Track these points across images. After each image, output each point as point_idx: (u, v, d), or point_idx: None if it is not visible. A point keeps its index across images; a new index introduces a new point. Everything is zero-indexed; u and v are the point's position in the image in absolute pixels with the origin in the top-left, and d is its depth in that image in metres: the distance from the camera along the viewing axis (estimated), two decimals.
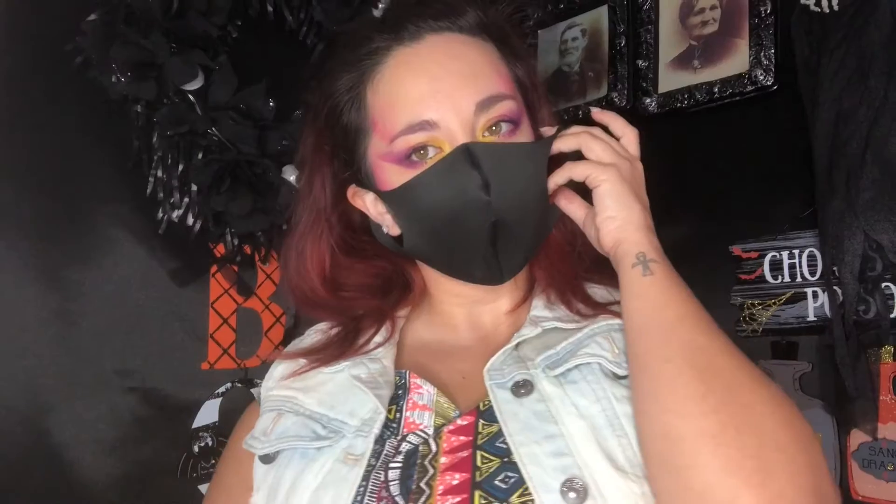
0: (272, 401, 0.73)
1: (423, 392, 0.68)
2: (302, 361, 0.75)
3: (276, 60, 1.38)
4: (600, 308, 0.69)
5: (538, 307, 0.71)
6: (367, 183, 0.72)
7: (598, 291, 0.73)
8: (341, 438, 0.65)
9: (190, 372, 1.29)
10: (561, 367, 0.63)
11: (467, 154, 0.63)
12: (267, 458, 0.70)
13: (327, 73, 0.73)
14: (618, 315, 0.66)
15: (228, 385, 1.34)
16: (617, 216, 0.64)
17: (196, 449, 1.29)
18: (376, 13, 1.28)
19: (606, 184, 0.64)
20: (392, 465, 0.62)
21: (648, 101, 1.30)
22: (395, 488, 0.60)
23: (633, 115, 1.33)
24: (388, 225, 0.72)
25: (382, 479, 0.61)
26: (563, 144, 0.68)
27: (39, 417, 1.13)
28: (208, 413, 1.31)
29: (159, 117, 1.21)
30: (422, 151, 0.66)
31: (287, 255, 0.77)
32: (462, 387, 0.69)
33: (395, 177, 0.67)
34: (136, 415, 1.22)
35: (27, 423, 1.12)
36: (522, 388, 0.63)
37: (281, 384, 0.74)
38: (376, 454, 0.64)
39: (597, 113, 0.70)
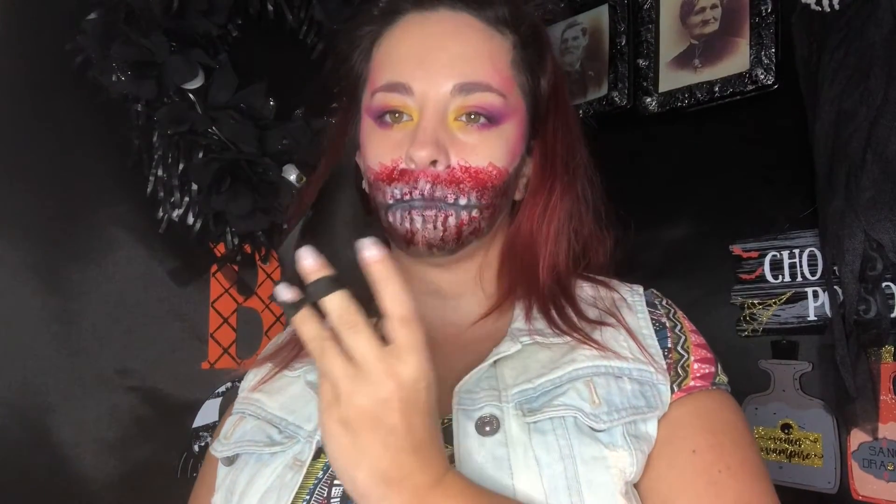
0: (240, 403, 0.74)
1: None
2: (269, 366, 0.74)
3: (277, 60, 1.38)
4: (583, 325, 0.65)
5: (518, 318, 0.68)
6: (357, 131, 0.72)
7: (589, 292, 0.70)
8: (295, 444, 0.65)
9: (190, 372, 1.29)
10: (534, 416, 0.59)
11: (337, 176, 0.59)
12: (227, 461, 0.70)
13: (357, 16, 0.73)
14: (603, 348, 0.63)
15: (228, 385, 1.34)
16: (343, 477, 0.51)
17: (196, 449, 1.29)
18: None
19: (322, 428, 0.52)
20: (337, 481, 0.61)
21: (649, 100, 1.30)
22: None
23: (633, 114, 1.33)
24: None
25: (325, 495, 0.60)
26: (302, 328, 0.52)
27: (39, 417, 1.13)
28: (208, 413, 1.31)
29: (159, 116, 1.21)
30: (396, 115, 0.66)
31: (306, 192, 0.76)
32: None
33: (368, 131, 0.68)
34: (136, 415, 1.22)
35: (27, 423, 1.12)
36: (488, 426, 0.59)
37: (251, 386, 0.74)
38: (326, 467, 0.62)
39: (374, 266, 0.50)
